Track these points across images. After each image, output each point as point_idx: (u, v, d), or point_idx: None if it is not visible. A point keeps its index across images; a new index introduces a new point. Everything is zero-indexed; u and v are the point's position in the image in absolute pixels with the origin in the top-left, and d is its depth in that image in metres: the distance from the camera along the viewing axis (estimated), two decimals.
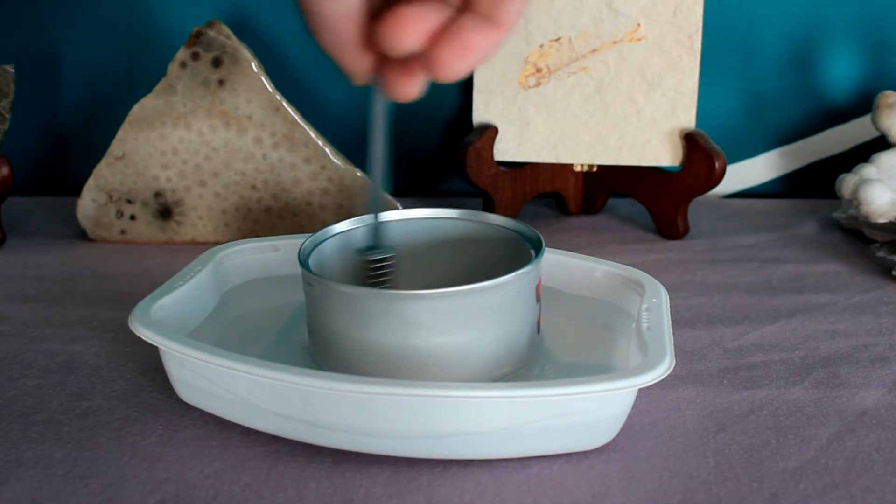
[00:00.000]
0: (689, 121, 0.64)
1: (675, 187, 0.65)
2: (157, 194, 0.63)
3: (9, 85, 0.63)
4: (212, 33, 0.60)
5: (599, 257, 0.47)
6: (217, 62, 0.61)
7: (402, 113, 0.77)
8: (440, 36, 0.30)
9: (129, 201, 0.63)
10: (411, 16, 0.30)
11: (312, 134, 0.62)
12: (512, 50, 0.64)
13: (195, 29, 0.61)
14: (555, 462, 0.36)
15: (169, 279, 0.43)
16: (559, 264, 0.46)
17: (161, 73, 0.61)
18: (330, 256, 0.43)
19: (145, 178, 0.62)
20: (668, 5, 0.62)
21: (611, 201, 0.74)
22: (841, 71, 0.75)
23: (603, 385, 0.33)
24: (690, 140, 0.64)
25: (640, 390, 0.36)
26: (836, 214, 0.68)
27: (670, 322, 0.40)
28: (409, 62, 0.32)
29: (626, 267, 0.46)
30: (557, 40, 0.64)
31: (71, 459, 0.36)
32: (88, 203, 0.63)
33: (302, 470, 0.35)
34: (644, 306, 0.41)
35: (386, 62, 0.32)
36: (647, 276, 0.44)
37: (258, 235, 0.60)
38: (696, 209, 0.70)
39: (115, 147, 0.62)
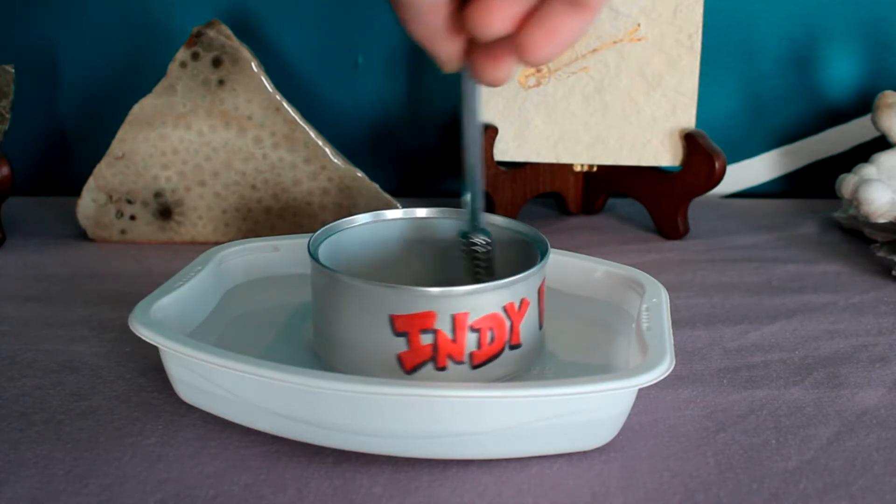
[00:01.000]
0: (689, 121, 0.64)
1: (675, 187, 0.65)
2: (157, 194, 0.63)
3: (9, 85, 0.63)
4: (212, 33, 0.60)
5: (599, 257, 0.47)
6: (217, 62, 0.61)
7: (402, 113, 0.77)
8: (528, 20, 0.30)
9: (129, 201, 0.63)
10: (500, 0, 0.30)
11: (312, 134, 0.62)
12: None
13: (195, 29, 0.61)
14: (555, 462, 0.36)
15: (169, 279, 0.43)
16: (559, 264, 0.46)
17: (161, 73, 0.61)
18: (340, 250, 0.43)
19: (145, 178, 0.62)
20: (668, 5, 0.62)
21: (611, 201, 0.74)
22: (841, 71, 0.75)
23: (603, 385, 0.33)
24: (690, 140, 0.64)
25: (640, 390, 0.36)
26: (836, 214, 0.68)
27: (670, 322, 0.40)
28: (497, 47, 0.32)
29: (626, 267, 0.46)
30: None
31: (71, 459, 0.36)
32: (88, 203, 0.63)
33: (302, 470, 0.35)
34: (644, 306, 0.41)
35: (475, 48, 0.33)
36: (647, 276, 0.44)
37: (258, 235, 0.60)
38: (696, 209, 0.70)
39: (115, 147, 0.62)
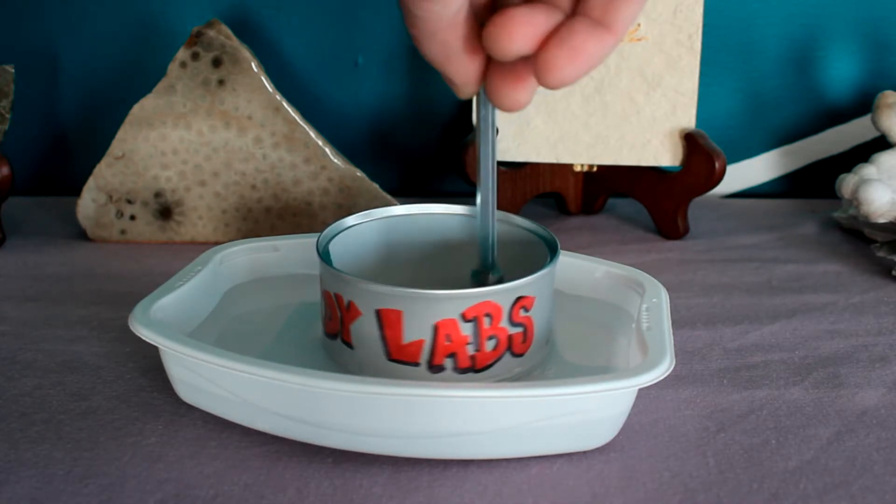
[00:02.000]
0: (689, 121, 0.64)
1: (675, 187, 0.65)
2: (157, 194, 0.63)
3: (9, 85, 0.63)
4: (212, 33, 0.60)
5: (599, 257, 0.47)
6: (217, 62, 0.61)
7: (402, 113, 0.77)
8: (550, 40, 0.29)
9: (129, 201, 0.63)
10: (521, 18, 0.29)
11: (312, 134, 0.62)
12: None
13: (195, 29, 0.61)
14: (555, 462, 0.36)
15: (169, 279, 0.43)
16: (559, 264, 0.46)
17: (161, 73, 0.61)
18: (346, 249, 0.43)
19: (145, 178, 0.62)
20: (668, 5, 0.62)
21: (611, 201, 0.74)
22: (841, 71, 0.75)
23: (603, 385, 0.33)
24: (690, 140, 0.64)
25: (640, 390, 0.36)
26: (836, 214, 0.68)
27: (670, 322, 0.40)
28: (517, 68, 0.31)
29: (626, 267, 0.46)
30: None
31: (71, 459, 0.36)
32: (88, 203, 0.63)
33: (302, 470, 0.35)
34: (644, 306, 0.41)
35: (493, 69, 0.32)
36: (647, 276, 0.44)
37: (258, 235, 0.60)
38: (696, 209, 0.70)
39: (115, 147, 0.62)
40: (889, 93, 0.64)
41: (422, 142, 0.77)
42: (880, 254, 0.58)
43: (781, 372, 0.44)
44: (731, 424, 0.39)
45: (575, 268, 0.46)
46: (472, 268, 0.41)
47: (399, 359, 0.37)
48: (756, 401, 0.41)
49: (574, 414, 0.34)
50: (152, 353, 0.42)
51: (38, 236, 0.64)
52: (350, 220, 0.44)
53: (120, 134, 0.62)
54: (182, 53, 0.61)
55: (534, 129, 0.65)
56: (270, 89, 0.61)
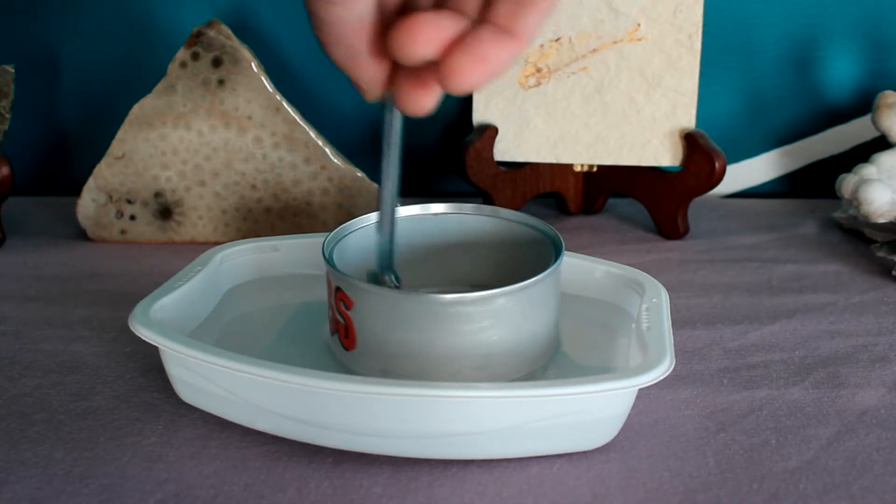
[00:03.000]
0: (689, 121, 0.64)
1: (675, 187, 0.65)
2: (157, 194, 0.63)
3: (9, 85, 0.63)
4: (212, 33, 0.60)
5: (599, 257, 0.47)
6: (217, 62, 0.61)
7: (402, 112, 0.77)
8: (455, 46, 0.30)
9: (129, 201, 0.63)
10: (426, 23, 0.29)
11: (312, 134, 0.62)
12: None
13: (195, 29, 0.61)
14: (555, 462, 0.36)
15: (169, 279, 0.43)
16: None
17: (161, 73, 0.61)
18: (351, 252, 0.43)
19: (145, 178, 0.62)
20: (668, 5, 0.62)
21: (611, 201, 0.74)
22: (841, 71, 0.75)
23: (603, 385, 0.33)
24: (690, 140, 0.64)
25: (640, 390, 0.36)
26: (836, 214, 0.68)
27: (670, 322, 0.40)
28: (422, 73, 0.31)
29: (626, 267, 0.46)
30: (557, 40, 0.64)
31: (71, 459, 0.36)
32: (88, 203, 0.63)
33: (302, 470, 0.35)
34: (644, 306, 0.41)
35: (399, 74, 0.32)
36: (647, 276, 0.44)
37: (258, 235, 0.60)
38: (696, 209, 0.70)
39: (115, 147, 0.62)
40: (889, 93, 0.64)
41: (422, 142, 0.77)
42: (880, 254, 0.58)
43: (781, 372, 0.44)
44: (731, 424, 0.39)
45: (575, 268, 0.46)
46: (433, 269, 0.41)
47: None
48: (756, 401, 0.41)
49: (574, 414, 0.34)
50: (152, 353, 0.42)
51: (38, 236, 0.64)
52: (355, 222, 0.44)
53: (120, 134, 0.62)
54: (182, 53, 0.61)
55: (534, 129, 0.65)
56: (270, 89, 0.61)
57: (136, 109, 0.61)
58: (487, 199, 0.67)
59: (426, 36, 0.29)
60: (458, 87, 0.30)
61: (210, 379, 0.37)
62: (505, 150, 0.66)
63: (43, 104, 0.75)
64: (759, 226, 0.69)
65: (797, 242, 0.65)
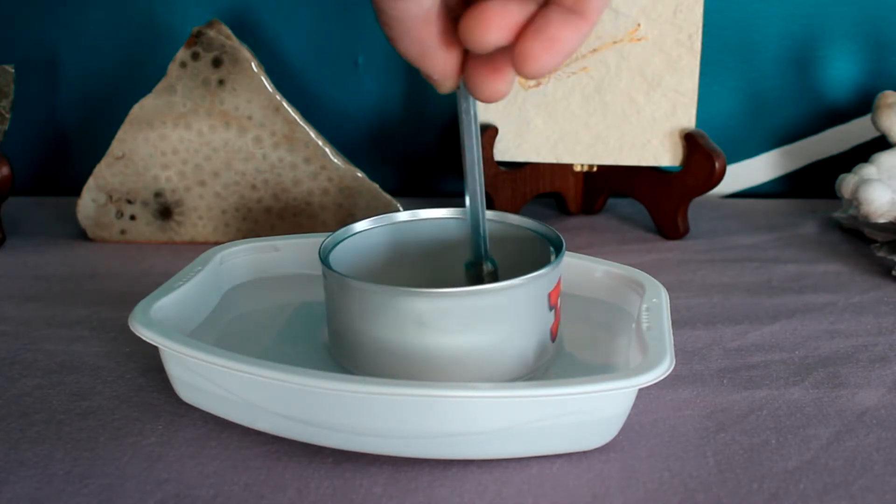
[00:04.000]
0: (689, 121, 0.64)
1: (675, 187, 0.65)
2: (157, 194, 0.63)
3: (9, 85, 0.63)
4: (212, 33, 0.60)
5: (599, 257, 0.47)
6: (217, 62, 0.61)
7: (402, 113, 0.77)
8: (526, 30, 0.30)
9: (129, 201, 0.63)
10: (496, 9, 0.29)
11: (312, 134, 0.62)
12: None
13: (195, 29, 0.61)
14: (555, 462, 0.36)
15: (169, 279, 0.43)
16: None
17: (161, 73, 0.61)
18: (351, 254, 0.43)
19: (145, 178, 0.62)
20: (668, 5, 0.62)
21: (611, 201, 0.74)
22: (841, 71, 0.75)
23: (603, 385, 0.33)
24: (690, 140, 0.64)
25: (640, 390, 0.36)
26: (836, 214, 0.68)
27: (670, 322, 0.40)
28: (495, 59, 0.31)
29: (626, 267, 0.46)
30: None
31: (71, 459, 0.36)
32: (88, 203, 0.63)
33: (302, 470, 0.35)
34: (644, 306, 0.41)
35: (471, 62, 0.32)
36: (647, 276, 0.44)
37: (258, 235, 0.60)
38: (696, 209, 0.70)
39: (115, 147, 0.62)
40: (889, 93, 0.64)
41: (422, 142, 0.77)
42: (880, 254, 0.58)
43: (781, 372, 0.44)
44: (731, 424, 0.39)
45: (575, 268, 0.46)
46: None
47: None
48: (756, 401, 0.41)
49: (574, 414, 0.34)
50: (152, 353, 0.42)
51: (38, 236, 0.64)
52: (356, 226, 0.44)
53: (120, 134, 0.62)
54: (182, 53, 0.61)
55: (534, 129, 0.65)
56: (270, 89, 0.61)
57: (136, 109, 0.61)
58: (487, 200, 0.67)
59: (497, 23, 0.29)
60: (532, 70, 0.30)
61: (210, 379, 0.37)
62: (505, 150, 0.66)
63: (43, 104, 0.75)
64: (759, 226, 0.69)
65: (797, 242, 0.65)
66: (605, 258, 0.47)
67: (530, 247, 0.43)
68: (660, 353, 0.36)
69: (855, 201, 0.61)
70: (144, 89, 0.62)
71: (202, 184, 0.62)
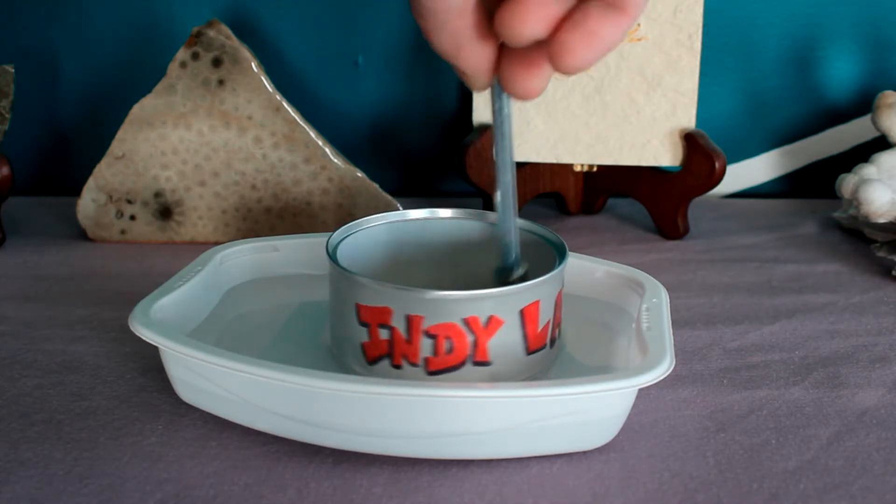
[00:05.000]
0: (689, 121, 0.64)
1: (675, 187, 0.65)
2: (157, 194, 0.63)
3: (9, 85, 0.63)
4: (212, 33, 0.60)
5: (599, 257, 0.47)
6: (217, 62, 0.61)
7: (402, 113, 0.77)
8: (564, 23, 0.29)
9: (129, 201, 0.63)
10: (534, 1, 0.29)
11: (312, 134, 0.62)
12: None
13: (195, 29, 0.61)
14: (555, 462, 0.36)
15: (169, 279, 0.43)
16: None
17: (161, 73, 0.61)
18: (358, 250, 0.43)
19: (145, 178, 0.62)
20: (668, 5, 0.62)
21: (611, 201, 0.74)
22: (841, 71, 0.75)
23: (603, 385, 0.33)
24: (690, 140, 0.64)
25: (640, 390, 0.36)
26: (836, 214, 0.68)
27: (670, 322, 0.40)
28: (531, 54, 0.31)
29: (626, 267, 0.46)
30: None
31: (71, 459, 0.36)
32: (88, 203, 0.63)
33: (302, 470, 0.35)
34: (644, 306, 0.41)
35: (506, 57, 0.31)
36: (647, 276, 0.44)
37: (258, 235, 0.60)
38: (696, 209, 0.70)
39: (115, 147, 0.62)
40: (889, 93, 0.64)
41: (422, 142, 0.77)
42: (880, 254, 0.58)
43: (781, 372, 0.44)
44: (731, 424, 0.39)
45: (575, 268, 0.46)
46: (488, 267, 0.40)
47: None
48: (756, 401, 0.41)
49: (574, 414, 0.34)
50: (152, 353, 0.42)
51: (38, 236, 0.64)
52: (360, 223, 0.44)
53: (120, 134, 0.62)
54: (182, 53, 0.61)
55: (534, 129, 0.65)
56: (270, 89, 0.61)
57: (136, 109, 0.61)
58: (487, 199, 0.67)
59: (535, 15, 0.29)
60: (570, 65, 0.29)
61: (210, 379, 0.37)
62: None
63: (43, 104, 0.75)
64: (759, 226, 0.69)
65: (797, 242, 0.65)
66: (605, 258, 0.47)
67: (534, 251, 0.43)
68: (660, 353, 0.36)
69: (855, 201, 0.61)
70: (144, 89, 0.62)
71: (202, 184, 0.62)
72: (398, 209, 0.62)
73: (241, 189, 0.62)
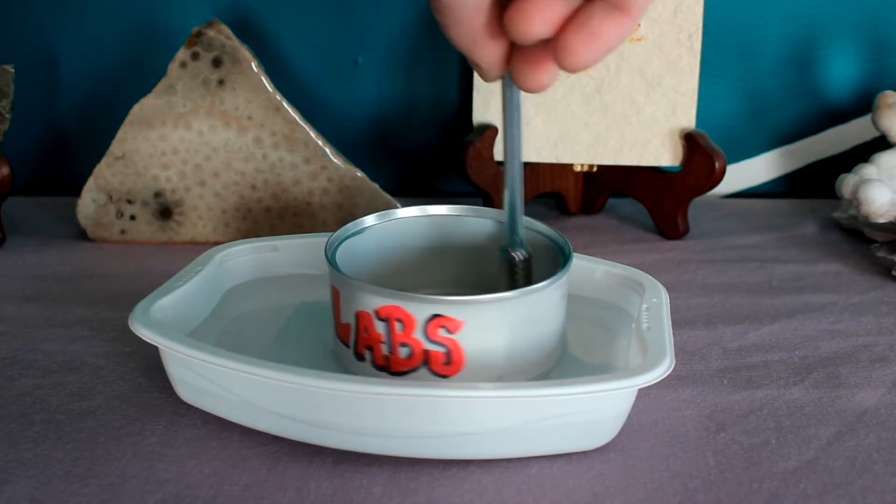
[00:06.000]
0: (689, 121, 0.64)
1: (675, 187, 0.65)
2: (157, 194, 0.63)
3: (9, 85, 0.63)
4: (212, 33, 0.60)
5: (599, 257, 0.47)
6: (217, 62, 0.61)
7: (402, 113, 0.77)
8: (569, 24, 0.30)
9: (129, 201, 0.63)
10: (540, 2, 0.30)
11: (312, 134, 0.62)
12: None
13: (195, 29, 0.61)
14: (555, 462, 0.36)
15: (169, 279, 0.43)
16: None
17: (161, 73, 0.61)
18: (358, 251, 0.43)
19: (145, 178, 0.62)
20: (668, 5, 0.62)
21: (611, 201, 0.74)
22: (841, 71, 0.75)
23: (603, 385, 0.33)
24: (690, 140, 0.64)
25: (640, 390, 0.36)
26: (836, 214, 0.68)
27: (670, 322, 0.40)
28: (538, 52, 0.32)
29: (626, 267, 0.46)
30: None
31: (71, 459, 0.36)
32: (88, 203, 0.63)
33: (302, 470, 0.35)
34: (644, 306, 0.41)
35: (517, 52, 0.33)
36: (647, 276, 0.44)
37: (258, 235, 0.60)
38: (696, 209, 0.70)
39: (115, 147, 0.62)
40: (889, 93, 0.64)
41: (422, 142, 0.77)
42: (880, 254, 0.58)
43: (781, 372, 0.44)
44: (731, 424, 0.39)
45: (575, 268, 0.46)
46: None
47: (339, 337, 0.39)
48: (756, 401, 0.41)
49: (574, 414, 0.34)
50: (152, 353, 0.42)
51: (38, 236, 0.64)
52: (361, 221, 0.44)
53: (120, 134, 0.62)
54: (182, 53, 0.61)
55: (534, 129, 0.65)
56: (270, 89, 0.61)
57: (136, 109, 0.61)
58: (487, 199, 0.67)
59: (540, 16, 0.30)
60: (573, 65, 0.30)
61: (210, 379, 0.37)
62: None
63: (43, 104, 0.75)
64: (759, 226, 0.69)
65: (797, 242, 0.65)
66: (605, 258, 0.47)
67: (532, 247, 0.43)
68: (660, 353, 0.36)
69: (855, 201, 0.61)
70: (144, 89, 0.62)
71: (202, 184, 0.62)
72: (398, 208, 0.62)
73: (241, 189, 0.62)
